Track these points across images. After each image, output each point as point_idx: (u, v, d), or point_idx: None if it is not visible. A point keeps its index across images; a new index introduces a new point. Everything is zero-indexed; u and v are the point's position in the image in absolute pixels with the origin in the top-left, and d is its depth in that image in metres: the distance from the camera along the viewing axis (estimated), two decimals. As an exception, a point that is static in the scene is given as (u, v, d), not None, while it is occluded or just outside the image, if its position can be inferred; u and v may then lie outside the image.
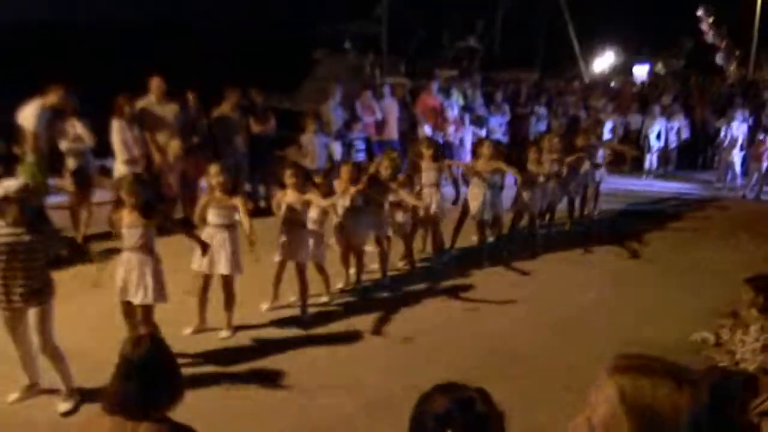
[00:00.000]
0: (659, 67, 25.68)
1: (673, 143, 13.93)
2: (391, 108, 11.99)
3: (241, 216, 5.62)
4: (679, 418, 1.49)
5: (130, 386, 2.47)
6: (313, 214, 6.38)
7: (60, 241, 4.80)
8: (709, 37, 26.04)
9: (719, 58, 25.62)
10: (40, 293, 4.45)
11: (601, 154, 9.99)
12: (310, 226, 6.34)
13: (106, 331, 5.26)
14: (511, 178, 8.27)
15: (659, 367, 1.61)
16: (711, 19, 26.10)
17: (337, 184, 6.68)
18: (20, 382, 4.65)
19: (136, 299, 4.98)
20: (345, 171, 6.65)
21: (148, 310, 5.04)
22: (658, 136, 13.64)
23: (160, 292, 5.06)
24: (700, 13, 26.41)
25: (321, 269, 6.59)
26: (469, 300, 6.86)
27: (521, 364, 5.43)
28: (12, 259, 4.34)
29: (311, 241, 6.32)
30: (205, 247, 5.39)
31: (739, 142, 12.71)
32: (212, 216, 5.71)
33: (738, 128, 12.74)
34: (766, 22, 21.76)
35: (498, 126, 12.95)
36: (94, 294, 6.14)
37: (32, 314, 4.43)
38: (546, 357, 5.60)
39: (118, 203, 5.11)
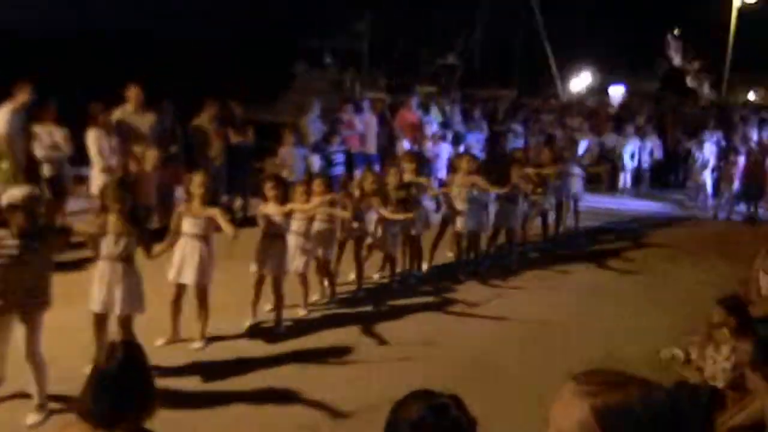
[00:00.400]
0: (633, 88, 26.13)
1: (646, 163, 14.17)
2: (370, 122, 12.06)
3: (220, 223, 5.59)
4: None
5: (104, 395, 2.45)
6: (295, 225, 6.39)
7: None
8: (677, 60, 26.62)
9: (689, 81, 26.20)
10: (39, 303, 4.44)
11: (578, 171, 10.13)
12: (294, 237, 6.36)
13: (74, 340, 5.19)
14: (491, 194, 8.35)
15: (627, 379, 1.62)
16: (679, 44, 26.73)
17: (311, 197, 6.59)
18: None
19: (117, 310, 4.95)
20: (318, 183, 6.64)
21: (127, 320, 5.02)
22: (632, 156, 13.87)
23: (140, 303, 5.04)
24: (668, 37, 27.03)
25: (303, 280, 6.59)
26: (446, 314, 6.90)
27: (496, 376, 5.47)
28: (18, 271, 4.31)
29: (295, 251, 6.34)
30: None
31: (711, 163, 12.98)
32: (188, 225, 5.68)
33: (709, 149, 13.02)
34: (738, 45, 22.30)
35: (476, 142, 13.06)
36: (62, 302, 6.05)
37: (23, 322, 4.40)
38: (520, 369, 5.65)
39: (102, 209, 5.06)
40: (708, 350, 5.41)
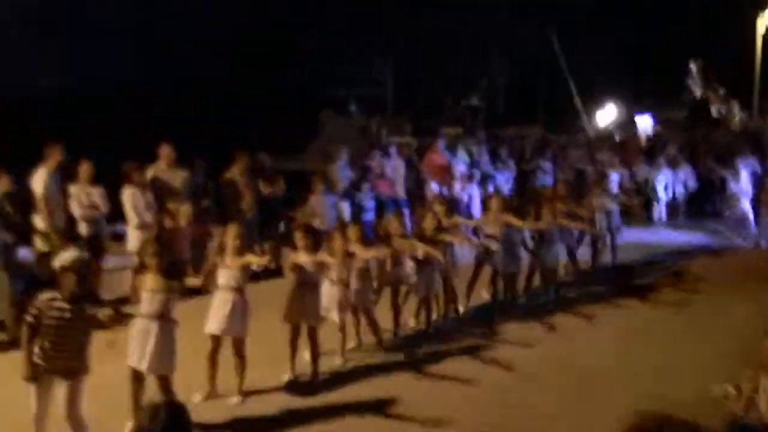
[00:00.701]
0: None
1: (680, 194, 13.95)
2: (398, 167, 12.12)
3: (254, 262, 5.67)
4: None
5: None
6: (333, 274, 6.38)
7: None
8: (698, 92, 26.45)
9: (714, 111, 25.95)
10: (82, 365, 4.49)
11: (614, 205, 10.04)
12: (330, 285, 6.35)
13: (113, 401, 5.19)
14: (525, 232, 8.27)
15: (676, 423, 1.58)
16: (700, 75, 26.57)
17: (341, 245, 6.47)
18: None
19: (145, 367, 4.96)
20: (353, 231, 6.65)
21: (165, 379, 5.02)
22: (666, 187, 13.66)
23: (170, 363, 5.05)
24: (690, 67, 26.92)
25: (342, 327, 6.53)
26: (484, 359, 6.73)
27: (539, 422, 5.31)
28: (67, 334, 4.38)
29: (334, 299, 6.33)
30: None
31: (748, 190, 12.74)
32: (223, 278, 5.70)
33: (745, 177, 12.78)
34: (765, 72, 22.09)
35: (504, 182, 13.03)
36: (101, 362, 6.08)
37: (67, 383, 4.43)
38: (563, 415, 5.47)
39: (141, 268, 5.14)
40: (762, 383, 5.21)
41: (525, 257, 8.36)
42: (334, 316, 6.42)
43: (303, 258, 6.07)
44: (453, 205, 10.48)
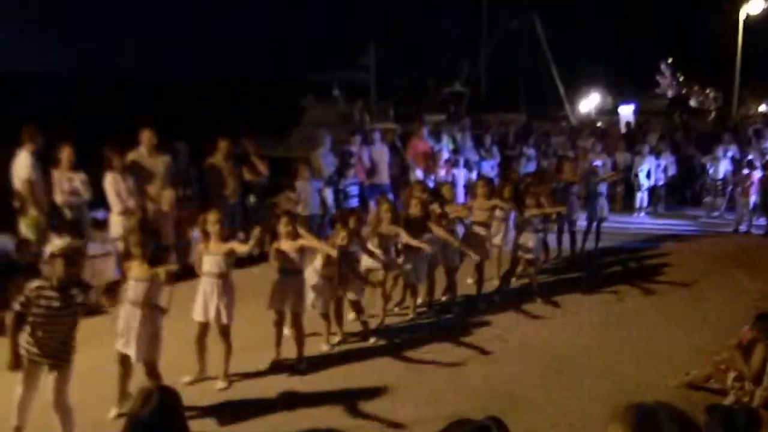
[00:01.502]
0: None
1: (660, 180, 14.08)
2: (381, 153, 12.08)
3: (239, 250, 5.62)
4: None
5: None
6: (317, 263, 6.36)
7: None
8: (670, 93, 26.86)
9: (693, 102, 26.30)
10: (69, 353, 4.46)
11: (602, 190, 10.08)
12: (313, 275, 6.33)
13: (93, 389, 5.16)
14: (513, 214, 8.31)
15: (664, 413, 1.61)
16: (670, 76, 26.96)
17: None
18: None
19: (132, 354, 4.95)
20: (353, 219, 6.67)
21: (152, 364, 5.03)
22: (648, 175, 13.79)
23: (155, 349, 5.04)
24: (661, 68, 27.27)
25: (325, 317, 6.55)
26: (468, 345, 6.77)
27: (523, 406, 5.37)
28: (57, 322, 4.34)
29: (313, 290, 6.30)
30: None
31: (726, 177, 12.94)
32: (207, 264, 5.68)
33: (724, 164, 12.95)
34: (746, 58, 22.30)
35: (489, 168, 13.06)
36: (83, 350, 6.03)
37: (54, 371, 4.41)
38: (546, 399, 5.53)
39: (126, 255, 5.12)
40: (738, 365, 5.31)
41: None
42: (317, 304, 6.42)
43: (285, 245, 6.05)
44: (435, 192, 10.57)
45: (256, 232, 5.60)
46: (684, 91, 26.93)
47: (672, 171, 14.37)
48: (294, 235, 6.04)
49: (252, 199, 10.08)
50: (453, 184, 11.75)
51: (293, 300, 6.04)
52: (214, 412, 5.25)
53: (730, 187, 13.07)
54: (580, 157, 12.85)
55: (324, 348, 6.57)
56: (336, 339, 6.76)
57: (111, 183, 8.13)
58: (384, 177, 12.04)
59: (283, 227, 6.04)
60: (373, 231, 6.99)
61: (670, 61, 27.61)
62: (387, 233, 6.98)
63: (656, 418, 1.57)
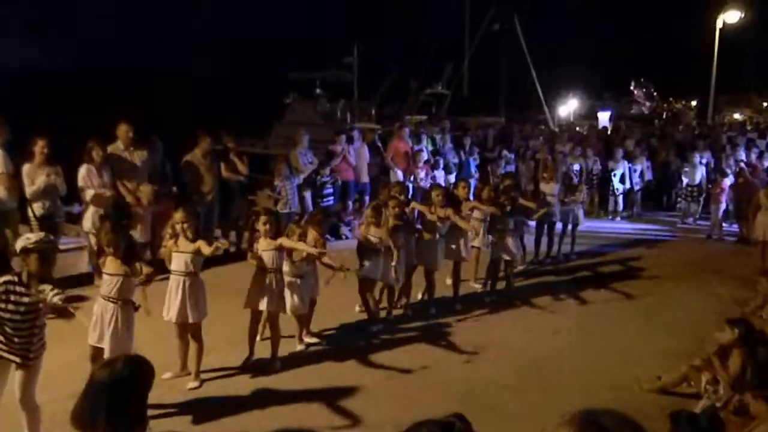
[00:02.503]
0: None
1: (637, 185, 14.24)
2: (361, 152, 12.12)
3: (204, 250, 5.51)
4: None
5: (93, 405, 2.42)
6: (288, 264, 6.32)
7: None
8: (646, 109, 27.36)
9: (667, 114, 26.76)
10: (36, 352, 4.38)
11: (584, 195, 10.22)
12: (288, 277, 6.29)
13: (63, 385, 5.09)
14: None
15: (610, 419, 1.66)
16: (645, 93, 27.48)
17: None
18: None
19: (111, 350, 4.88)
20: (314, 223, 6.65)
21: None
22: (622, 179, 13.94)
23: (128, 346, 4.97)
24: (633, 86, 27.78)
25: (299, 318, 6.53)
26: (442, 346, 6.81)
27: (497, 408, 5.40)
28: (22, 319, 4.25)
29: (289, 292, 6.26)
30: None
31: (701, 184, 13.14)
32: (175, 263, 5.62)
33: (698, 171, 13.16)
34: (722, 67, 22.64)
35: (473, 170, 13.14)
36: (54, 345, 5.95)
37: (23, 367, 4.33)
38: (520, 401, 5.57)
39: (100, 250, 5.08)
40: (717, 371, 5.39)
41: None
42: (294, 306, 6.39)
43: (263, 243, 6.02)
44: (415, 193, 10.62)
45: (219, 243, 5.57)
46: (657, 108, 27.46)
47: (648, 176, 14.55)
48: (274, 234, 6.02)
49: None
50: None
51: (270, 299, 5.99)
52: (185, 410, 5.21)
53: (704, 194, 13.28)
54: (557, 161, 12.99)
55: (298, 347, 6.55)
56: (313, 339, 6.76)
57: (84, 175, 8.04)
58: (364, 176, 12.07)
59: (262, 225, 6.01)
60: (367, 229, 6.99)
61: (642, 80, 28.16)
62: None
63: (601, 422, 1.62)
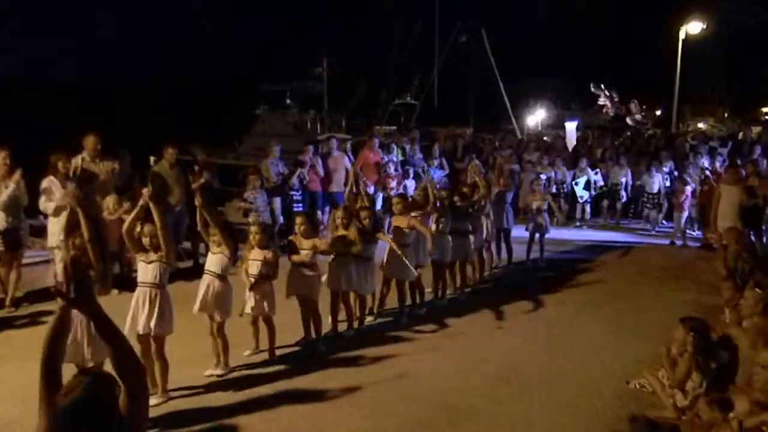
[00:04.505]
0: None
1: (602, 194, 14.45)
2: (338, 161, 12.13)
3: (169, 257, 5.56)
4: None
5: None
6: (253, 270, 6.38)
7: None
8: (612, 112, 27.94)
9: (630, 121, 27.32)
10: None
11: (545, 204, 10.38)
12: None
13: (32, 400, 4.98)
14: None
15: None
16: (605, 93, 28.06)
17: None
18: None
19: (87, 357, 4.93)
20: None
21: (98, 366, 4.90)
22: (587, 186, 14.16)
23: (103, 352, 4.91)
24: (593, 89, 28.33)
25: (253, 321, 6.66)
26: (413, 355, 6.80)
27: (469, 416, 5.43)
28: None
29: (254, 294, 6.40)
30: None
31: (662, 192, 13.46)
32: (141, 274, 5.58)
33: (660, 179, 13.47)
34: (685, 77, 23.14)
35: (439, 180, 13.20)
36: (21, 360, 5.85)
37: None
38: (488, 408, 5.60)
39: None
40: (666, 369, 5.50)
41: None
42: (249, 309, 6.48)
43: (257, 254, 6.38)
44: (387, 203, 10.64)
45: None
46: (623, 110, 27.94)
47: (616, 184, 14.73)
48: (265, 243, 6.38)
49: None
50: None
51: (217, 306, 6.08)
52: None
53: (666, 202, 13.57)
54: (525, 170, 13.19)
55: (246, 353, 6.61)
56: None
57: (46, 187, 7.93)
58: (340, 185, 12.07)
59: (252, 237, 6.39)
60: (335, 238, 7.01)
61: (601, 84, 28.75)
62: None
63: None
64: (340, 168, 12.09)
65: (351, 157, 13.03)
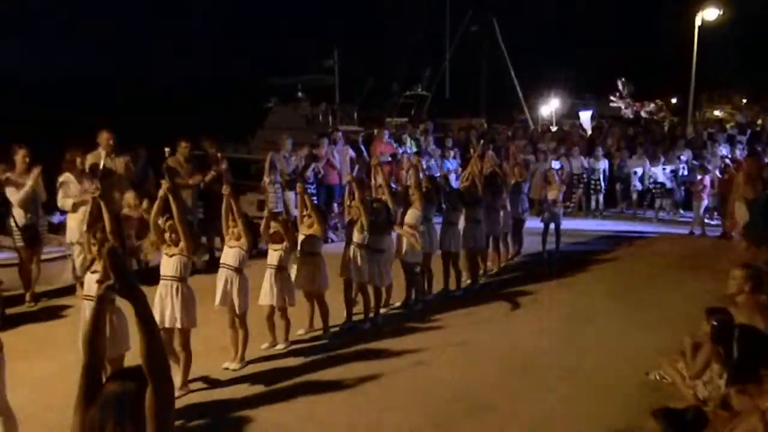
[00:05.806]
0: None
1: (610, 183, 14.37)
2: (344, 154, 12.14)
3: (186, 247, 5.59)
4: None
5: (103, 415, 2.30)
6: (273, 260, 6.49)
7: None
8: (628, 113, 27.70)
9: (644, 113, 27.06)
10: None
11: (561, 195, 10.34)
12: (271, 271, 6.51)
13: (53, 394, 5.03)
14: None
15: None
16: (625, 92, 27.78)
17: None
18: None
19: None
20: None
21: (118, 362, 4.92)
22: (605, 178, 14.05)
23: (125, 343, 4.98)
24: (618, 85, 27.99)
25: (284, 314, 6.65)
26: (427, 349, 6.71)
27: (485, 408, 5.39)
28: None
29: (272, 286, 6.47)
30: None
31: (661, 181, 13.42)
32: (163, 267, 5.61)
33: (659, 169, 13.42)
34: (703, 64, 22.81)
35: (453, 171, 13.16)
36: (40, 355, 5.90)
37: None
38: (505, 402, 5.55)
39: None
40: (687, 361, 5.44)
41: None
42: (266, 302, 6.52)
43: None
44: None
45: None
46: (637, 107, 27.72)
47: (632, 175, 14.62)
48: (279, 237, 6.46)
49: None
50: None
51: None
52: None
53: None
54: (539, 160, 13.09)
55: (280, 346, 6.64)
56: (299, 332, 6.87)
57: (63, 184, 7.96)
58: (344, 177, 12.06)
59: (272, 230, 6.51)
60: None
61: (623, 79, 28.46)
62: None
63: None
64: (346, 161, 12.11)
65: (364, 149, 13.02)
